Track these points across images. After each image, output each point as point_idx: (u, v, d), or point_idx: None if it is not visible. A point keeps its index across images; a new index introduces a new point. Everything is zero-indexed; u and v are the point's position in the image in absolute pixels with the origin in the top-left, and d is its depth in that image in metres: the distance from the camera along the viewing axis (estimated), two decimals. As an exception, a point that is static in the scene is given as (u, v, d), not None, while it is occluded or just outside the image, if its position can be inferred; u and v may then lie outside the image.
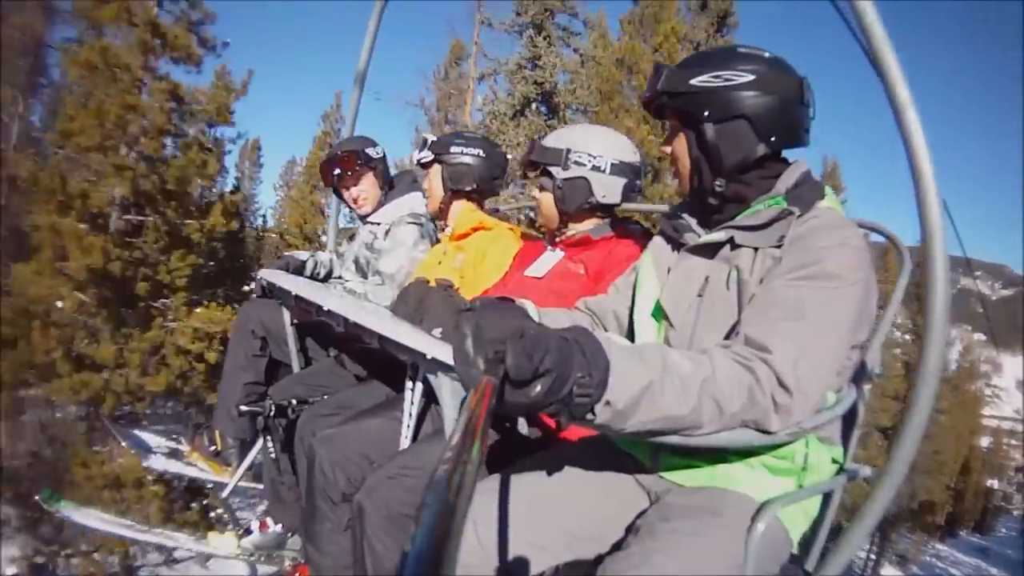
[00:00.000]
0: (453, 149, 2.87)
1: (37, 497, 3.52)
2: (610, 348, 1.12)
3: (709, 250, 1.61)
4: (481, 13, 20.54)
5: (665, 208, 2.66)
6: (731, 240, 1.55)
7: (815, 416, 1.37)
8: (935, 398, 1.46)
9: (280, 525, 3.04)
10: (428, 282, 2.09)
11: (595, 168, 2.28)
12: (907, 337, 26.12)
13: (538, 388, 0.99)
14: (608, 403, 1.10)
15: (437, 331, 1.85)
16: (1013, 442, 48.96)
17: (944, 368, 1.45)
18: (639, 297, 1.73)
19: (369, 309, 2.06)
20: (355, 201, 3.27)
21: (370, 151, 3.25)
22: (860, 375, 1.71)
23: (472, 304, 1.28)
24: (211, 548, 3.06)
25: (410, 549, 0.48)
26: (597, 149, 2.29)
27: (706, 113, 1.53)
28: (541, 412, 1.07)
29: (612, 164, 2.28)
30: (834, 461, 1.58)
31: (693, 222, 1.69)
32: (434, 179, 2.91)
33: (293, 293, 2.55)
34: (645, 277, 1.74)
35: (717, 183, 1.58)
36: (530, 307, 1.63)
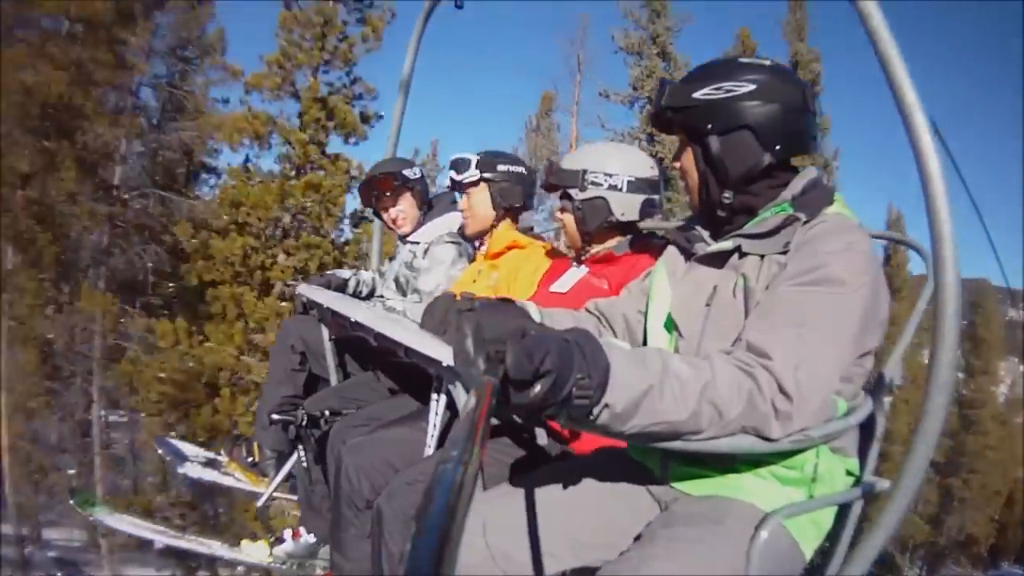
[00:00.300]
0: (500, 167, 2.87)
1: (72, 500, 3.60)
2: (610, 351, 1.12)
3: (718, 259, 1.59)
4: (580, 72, 20.85)
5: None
6: (739, 248, 1.53)
7: (824, 425, 1.34)
8: (947, 407, 1.41)
9: (312, 535, 3.06)
10: (454, 296, 2.11)
11: (612, 187, 2.27)
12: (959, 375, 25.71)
13: (537, 388, 1.00)
14: (607, 405, 1.09)
15: None
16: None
17: (955, 378, 1.40)
18: (652, 307, 1.72)
19: (394, 321, 2.09)
20: (394, 221, 3.32)
21: (407, 172, 3.29)
22: (879, 386, 1.68)
23: (473, 304, 1.28)
24: (243, 556, 3.10)
25: (410, 549, 0.48)
26: (613, 168, 2.28)
27: (709, 126, 1.51)
28: (540, 413, 1.06)
29: (629, 182, 2.28)
30: (849, 473, 1.54)
31: (704, 233, 1.67)
32: (479, 198, 2.88)
33: (326, 306, 2.60)
34: (658, 287, 1.73)
35: (725, 195, 1.56)
36: (532, 308, 1.64)
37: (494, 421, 1.75)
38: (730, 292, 1.51)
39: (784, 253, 1.44)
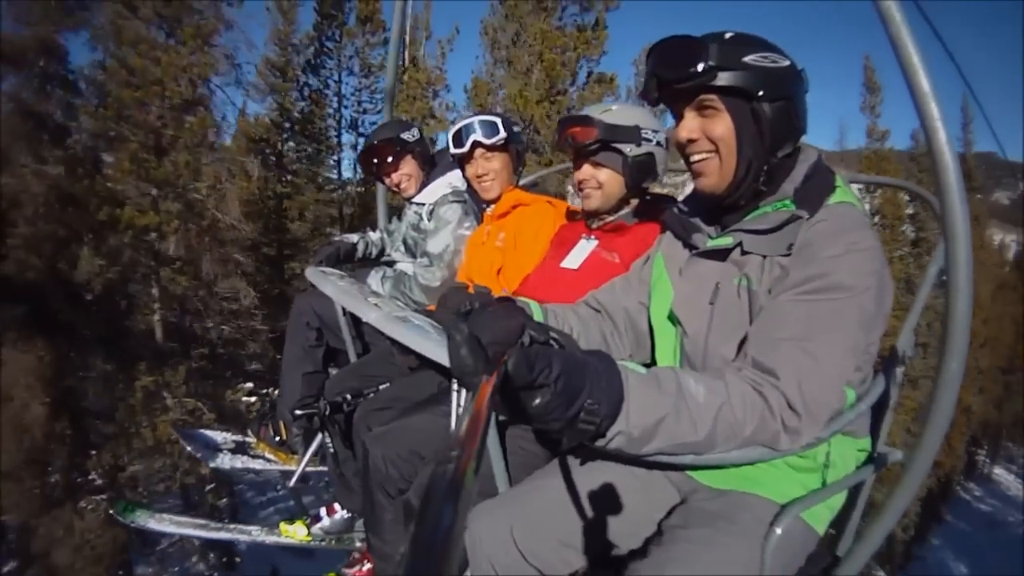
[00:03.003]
0: (515, 128, 2.91)
1: (112, 511, 3.74)
2: (627, 377, 1.16)
3: (719, 253, 1.61)
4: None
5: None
6: (739, 245, 1.56)
7: (835, 421, 1.40)
8: (961, 376, 1.41)
9: (347, 510, 3.21)
10: (467, 288, 2.13)
11: (658, 143, 2.30)
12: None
13: (538, 399, 1.03)
14: (622, 432, 1.15)
15: None
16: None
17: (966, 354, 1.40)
18: (655, 299, 1.76)
19: (407, 321, 2.12)
20: (398, 186, 3.38)
21: (405, 135, 3.32)
22: (892, 359, 1.74)
23: (472, 305, 1.30)
24: (284, 538, 3.25)
25: (410, 549, 0.49)
26: (655, 125, 2.31)
27: (761, 92, 1.47)
28: (542, 427, 1.09)
29: (666, 140, 2.32)
30: (860, 451, 1.63)
31: (700, 221, 1.68)
32: (502, 162, 2.92)
33: (337, 302, 2.66)
34: (659, 278, 1.77)
35: (772, 159, 1.54)
36: (534, 306, 1.68)
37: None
38: (734, 291, 1.54)
39: (787, 255, 1.47)
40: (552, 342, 1.16)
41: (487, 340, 1.11)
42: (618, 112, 2.29)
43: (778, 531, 1.40)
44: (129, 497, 12.17)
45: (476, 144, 2.87)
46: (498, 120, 2.88)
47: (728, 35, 1.49)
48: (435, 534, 0.50)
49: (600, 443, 1.17)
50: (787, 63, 1.49)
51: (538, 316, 1.68)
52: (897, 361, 1.75)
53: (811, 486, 1.54)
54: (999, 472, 34.26)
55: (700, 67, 1.45)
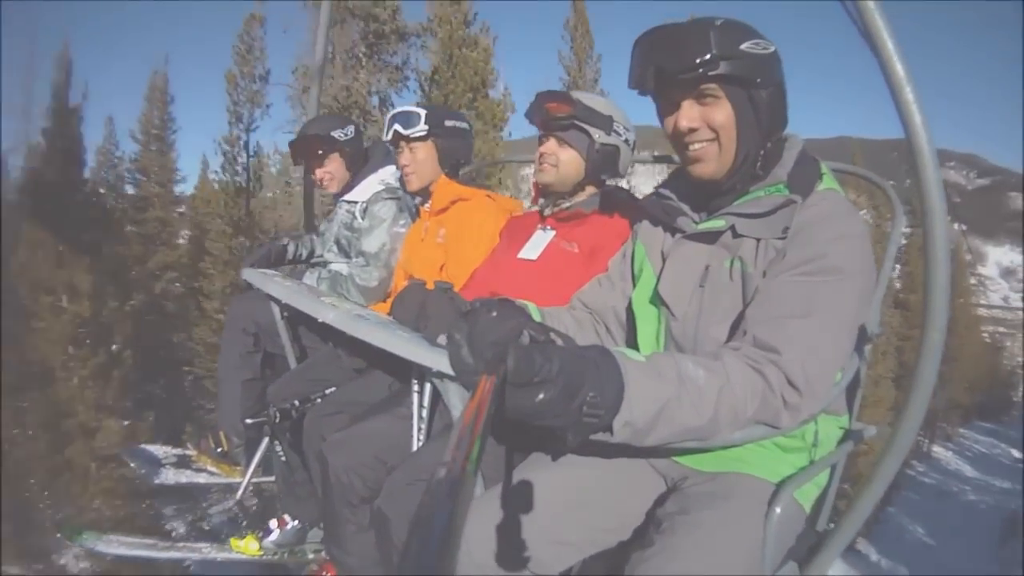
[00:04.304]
0: (447, 122, 2.89)
1: (59, 534, 3.63)
2: (626, 368, 1.16)
3: (707, 236, 1.64)
4: None
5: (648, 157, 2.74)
6: (731, 228, 1.59)
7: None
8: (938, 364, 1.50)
9: (296, 520, 3.15)
10: (424, 284, 2.11)
11: (626, 142, 2.36)
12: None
13: (541, 395, 1.01)
14: (627, 423, 1.14)
15: (442, 338, 1.84)
16: (1001, 329, 54.27)
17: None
18: (637, 285, 1.79)
19: (368, 319, 2.09)
20: (320, 182, 3.36)
21: (336, 133, 3.29)
22: (861, 338, 1.79)
23: (472, 306, 1.29)
24: (235, 554, 3.18)
25: (410, 551, 0.50)
26: (628, 125, 2.36)
27: (759, 79, 1.51)
28: (545, 424, 1.07)
29: (634, 141, 2.39)
30: (840, 428, 1.70)
31: (684, 206, 1.71)
32: (425, 154, 2.90)
33: (285, 302, 2.61)
34: (640, 266, 1.79)
35: (768, 145, 1.59)
36: (532, 308, 1.68)
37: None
38: (725, 273, 1.58)
39: (782, 238, 1.51)
40: (551, 343, 1.16)
41: (488, 340, 1.11)
42: (598, 100, 2.35)
43: (778, 510, 1.44)
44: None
45: (396, 134, 2.87)
46: (422, 112, 2.86)
47: (719, 22, 1.51)
48: (435, 534, 0.51)
49: (606, 437, 1.17)
50: (774, 48, 1.54)
51: (536, 318, 1.68)
52: (865, 338, 1.81)
53: (799, 465, 1.60)
54: (937, 450, 38.11)
55: (706, 56, 1.47)
